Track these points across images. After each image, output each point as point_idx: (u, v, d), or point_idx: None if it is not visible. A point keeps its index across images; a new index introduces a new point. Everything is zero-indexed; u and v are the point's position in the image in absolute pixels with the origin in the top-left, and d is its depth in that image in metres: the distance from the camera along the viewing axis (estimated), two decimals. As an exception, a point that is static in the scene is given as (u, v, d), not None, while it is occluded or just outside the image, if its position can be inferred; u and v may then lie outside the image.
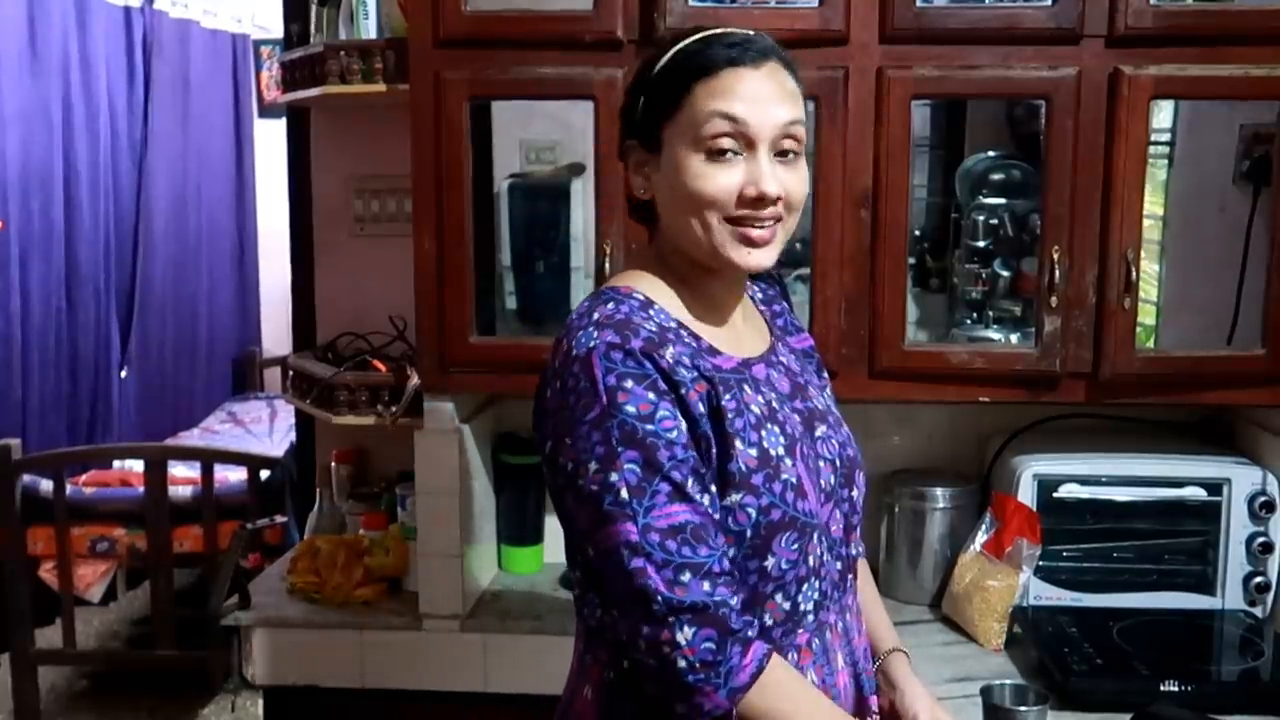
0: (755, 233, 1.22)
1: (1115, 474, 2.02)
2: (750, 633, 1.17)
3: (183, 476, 3.67)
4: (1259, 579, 1.98)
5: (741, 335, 1.32)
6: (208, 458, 3.28)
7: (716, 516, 1.18)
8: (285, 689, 2.17)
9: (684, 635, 1.12)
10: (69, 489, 3.45)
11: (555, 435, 1.19)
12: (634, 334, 1.17)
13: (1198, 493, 2.00)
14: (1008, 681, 1.63)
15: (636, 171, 1.27)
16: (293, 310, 2.62)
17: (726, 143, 1.20)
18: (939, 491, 2.16)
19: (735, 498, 1.19)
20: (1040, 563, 1.99)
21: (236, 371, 5.82)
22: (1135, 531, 2.03)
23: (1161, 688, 1.70)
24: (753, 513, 1.20)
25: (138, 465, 3.73)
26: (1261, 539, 1.98)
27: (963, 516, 2.14)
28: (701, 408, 1.19)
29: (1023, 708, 1.55)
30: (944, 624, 2.06)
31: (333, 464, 2.47)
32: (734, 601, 1.15)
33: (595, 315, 1.20)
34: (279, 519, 2.67)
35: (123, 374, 4.88)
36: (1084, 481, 2.02)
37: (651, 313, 1.23)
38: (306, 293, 2.57)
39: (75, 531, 3.54)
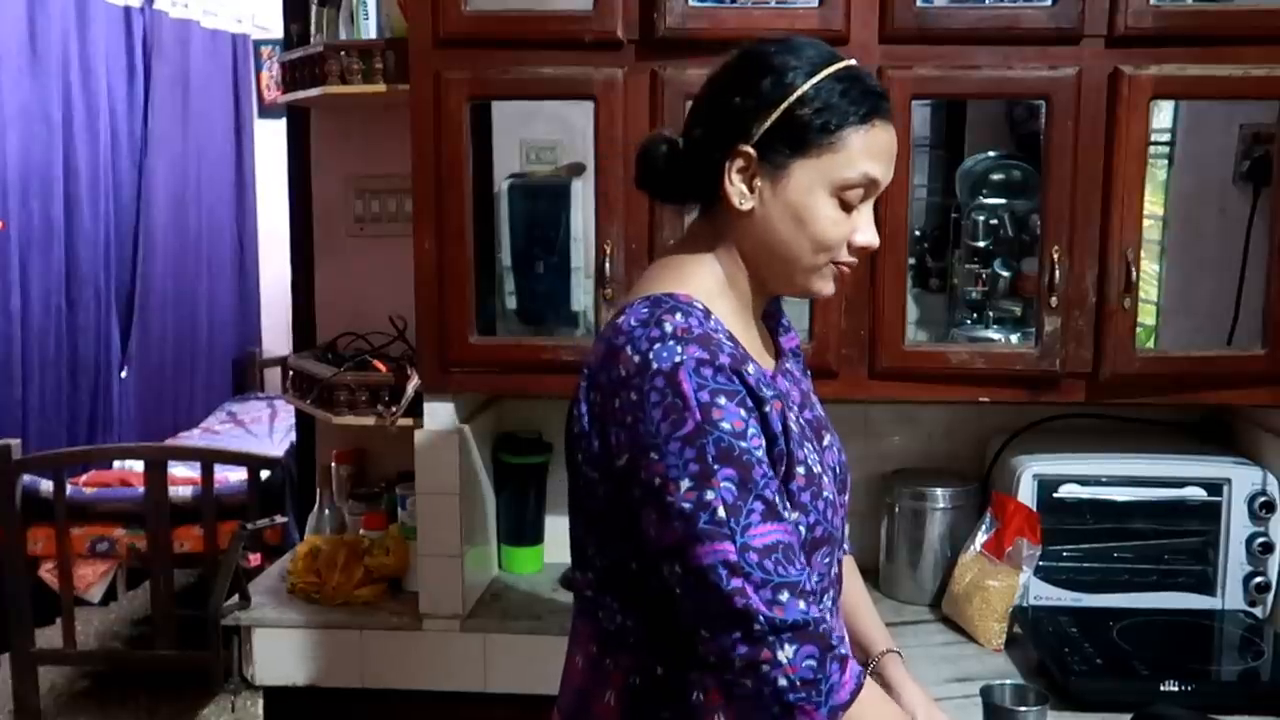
0: (848, 272, 1.27)
1: (1115, 474, 2.02)
2: (845, 649, 1.16)
3: (183, 476, 3.66)
4: (1259, 579, 1.98)
5: (760, 346, 1.32)
6: (208, 458, 3.28)
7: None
8: (285, 689, 2.17)
9: (785, 654, 1.10)
10: (69, 489, 3.44)
11: (636, 448, 1.15)
12: (720, 350, 1.16)
13: (1198, 493, 2.00)
14: (1008, 681, 1.62)
15: (742, 179, 1.22)
16: (293, 310, 2.62)
17: (859, 196, 1.22)
18: (939, 491, 2.16)
19: (793, 517, 1.19)
20: (1040, 563, 1.99)
21: (236, 371, 5.82)
22: (1135, 531, 2.03)
23: (1161, 688, 1.70)
24: (804, 530, 1.20)
25: (138, 465, 3.73)
26: (1261, 539, 1.98)
27: (963, 516, 2.14)
28: (779, 425, 1.19)
29: (1023, 708, 1.55)
30: (944, 624, 2.06)
31: (333, 464, 2.47)
32: (829, 619, 1.15)
33: (668, 327, 1.17)
34: (279, 519, 2.67)
35: (123, 374, 4.88)
36: (1084, 481, 2.02)
37: (713, 323, 1.22)
38: (306, 293, 2.57)
39: (75, 531, 3.54)
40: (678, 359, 1.14)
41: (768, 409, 1.18)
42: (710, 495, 1.11)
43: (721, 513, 1.11)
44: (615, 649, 1.26)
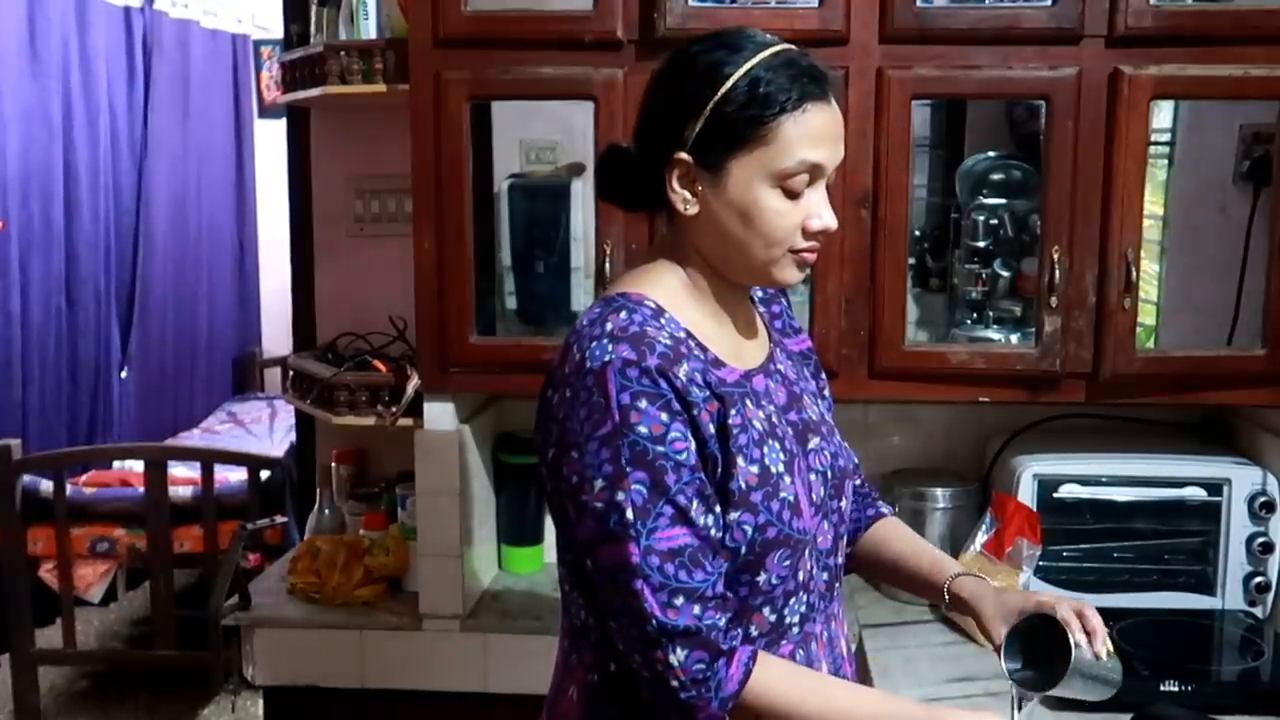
0: (811, 257, 1.24)
1: (1115, 474, 2.02)
2: (735, 643, 1.18)
3: (183, 476, 3.66)
4: (1259, 579, 1.99)
5: (742, 344, 1.31)
6: (208, 458, 3.28)
7: (719, 537, 1.18)
8: (285, 689, 2.17)
9: (676, 657, 1.14)
10: (69, 489, 3.44)
11: (560, 444, 1.18)
12: (650, 350, 1.16)
13: (1198, 493, 2.00)
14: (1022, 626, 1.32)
15: (682, 185, 1.22)
16: (293, 310, 2.62)
17: (804, 183, 1.20)
18: (939, 491, 2.16)
19: (733, 515, 1.19)
20: (1040, 563, 1.99)
21: (236, 371, 5.82)
22: (1135, 531, 2.03)
23: (1161, 688, 1.70)
24: (749, 530, 1.20)
25: (138, 465, 3.73)
26: (1261, 539, 1.98)
27: (963, 516, 2.14)
28: (711, 428, 1.19)
29: (1031, 693, 1.29)
30: (944, 624, 2.06)
31: (333, 464, 2.47)
32: (722, 623, 1.17)
33: (608, 325, 1.18)
34: (279, 519, 2.67)
35: (123, 374, 4.88)
36: (1084, 481, 2.02)
37: (663, 321, 1.22)
38: (306, 293, 2.57)
39: (75, 531, 3.54)
40: (607, 358, 1.15)
41: (697, 412, 1.17)
42: (620, 497, 1.13)
43: (629, 515, 1.13)
44: (581, 645, 1.28)
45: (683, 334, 1.22)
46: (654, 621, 1.13)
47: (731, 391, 1.23)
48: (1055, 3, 1.83)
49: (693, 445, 1.16)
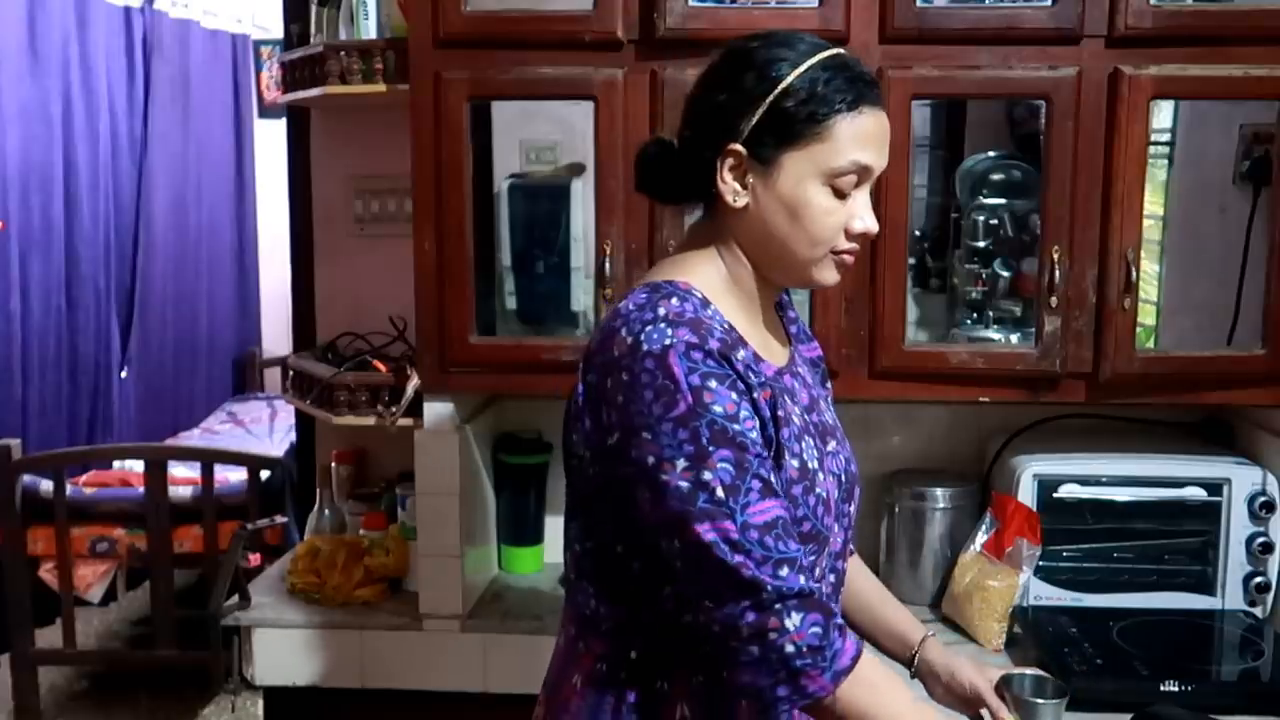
0: (850, 259, 1.27)
1: (1115, 474, 2.02)
2: (843, 621, 1.18)
3: (183, 476, 3.66)
4: (1259, 579, 1.99)
5: (772, 343, 1.33)
6: (208, 458, 3.28)
7: None
8: (285, 689, 2.17)
9: (792, 621, 1.13)
10: (69, 489, 3.44)
11: (626, 428, 1.17)
12: (709, 334, 1.17)
13: (1198, 493, 2.00)
14: (1028, 671, 1.54)
15: (734, 176, 1.23)
16: (293, 310, 2.62)
17: (852, 183, 1.22)
18: (939, 491, 2.16)
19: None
20: (1040, 563, 1.99)
21: (236, 371, 5.82)
22: (1135, 531, 2.03)
23: (1161, 688, 1.71)
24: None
25: (138, 465, 3.72)
26: (1261, 539, 1.98)
27: (963, 516, 2.14)
28: (766, 413, 1.20)
29: (1040, 700, 1.49)
30: (944, 624, 2.06)
31: (333, 464, 2.47)
32: (828, 590, 1.17)
33: (661, 310, 1.19)
34: (279, 519, 2.67)
35: (123, 374, 4.88)
36: (1084, 481, 2.02)
37: (711, 311, 1.23)
38: (306, 293, 2.57)
39: (75, 531, 3.54)
40: (667, 341, 1.16)
41: (755, 395, 1.19)
42: (708, 476, 1.13)
43: (720, 493, 1.13)
44: (589, 633, 1.28)
45: (727, 325, 1.24)
46: (769, 587, 1.13)
47: (772, 385, 1.24)
48: (1055, 3, 1.83)
49: (758, 424, 1.18)
